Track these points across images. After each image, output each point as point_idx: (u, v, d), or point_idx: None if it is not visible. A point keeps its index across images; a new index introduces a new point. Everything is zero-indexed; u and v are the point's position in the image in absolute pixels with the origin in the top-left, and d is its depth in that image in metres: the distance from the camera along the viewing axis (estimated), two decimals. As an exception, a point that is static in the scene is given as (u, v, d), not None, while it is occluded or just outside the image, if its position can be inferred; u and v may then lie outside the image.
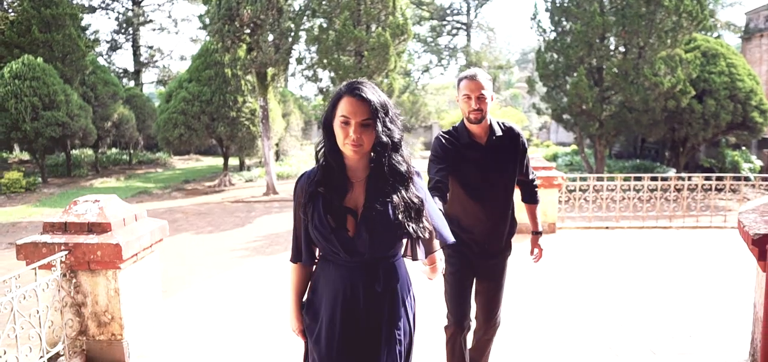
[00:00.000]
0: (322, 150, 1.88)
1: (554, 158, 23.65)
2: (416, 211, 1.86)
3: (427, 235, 1.93)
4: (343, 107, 1.77)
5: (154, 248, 3.97)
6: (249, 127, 19.51)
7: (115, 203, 3.71)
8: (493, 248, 2.84)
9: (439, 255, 2.11)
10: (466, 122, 2.74)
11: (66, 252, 3.39)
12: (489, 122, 2.75)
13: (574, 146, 22.24)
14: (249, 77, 17.79)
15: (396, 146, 1.84)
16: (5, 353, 2.90)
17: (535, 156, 8.63)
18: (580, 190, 8.72)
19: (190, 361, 3.69)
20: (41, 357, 3.19)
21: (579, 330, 4.22)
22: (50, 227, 3.51)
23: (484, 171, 2.74)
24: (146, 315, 3.89)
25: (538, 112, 19.01)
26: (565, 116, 16.84)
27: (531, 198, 3.04)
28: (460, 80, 2.72)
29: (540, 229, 3.11)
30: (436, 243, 2.00)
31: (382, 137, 1.78)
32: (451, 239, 2.02)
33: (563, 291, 5.22)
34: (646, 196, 8.57)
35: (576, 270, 6.00)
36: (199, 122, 18.97)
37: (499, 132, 2.76)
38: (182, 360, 3.72)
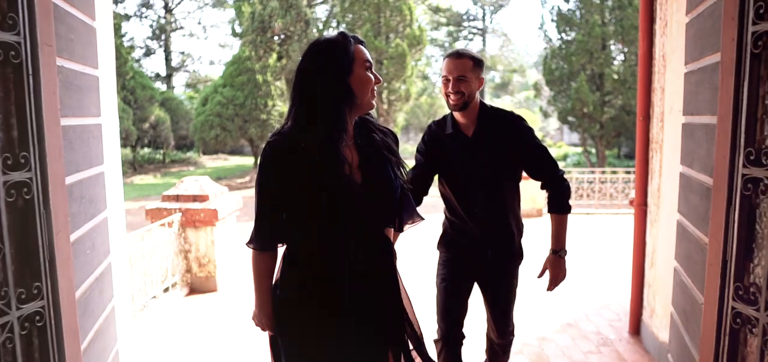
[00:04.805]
0: (306, 113, 1.55)
1: (564, 157, 25.05)
2: (403, 169, 1.71)
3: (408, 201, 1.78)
4: (363, 53, 1.59)
5: (233, 215, 5.53)
6: (278, 128, 21.16)
7: (208, 182, 5.27)
8: (496, 257, 2.41)
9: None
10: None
11: (180, 214, 4.95)
12: (478, 110, 2.29)
13: (584, 147, 23.60)
14: (278, 83, 19.44)
15: None
16: (152, 273, 4.48)
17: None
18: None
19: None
20: (165, 279, 4.76)
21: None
22: (167, 198, 5.08)
23: (470, 168, 2.29)
24: (228, 260, 5.44)
25: (545, 114, 20.39)
26: (569, 118, 18.21)
27: (556, 205, 2.40)
28: (444, 59, 2.25)
29: (559, 248, 2.43)
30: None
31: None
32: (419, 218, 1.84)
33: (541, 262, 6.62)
34: (621, 187, 9.95)
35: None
36: (232, 123, 20.69)
37: (488, 121, 2.29)
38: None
